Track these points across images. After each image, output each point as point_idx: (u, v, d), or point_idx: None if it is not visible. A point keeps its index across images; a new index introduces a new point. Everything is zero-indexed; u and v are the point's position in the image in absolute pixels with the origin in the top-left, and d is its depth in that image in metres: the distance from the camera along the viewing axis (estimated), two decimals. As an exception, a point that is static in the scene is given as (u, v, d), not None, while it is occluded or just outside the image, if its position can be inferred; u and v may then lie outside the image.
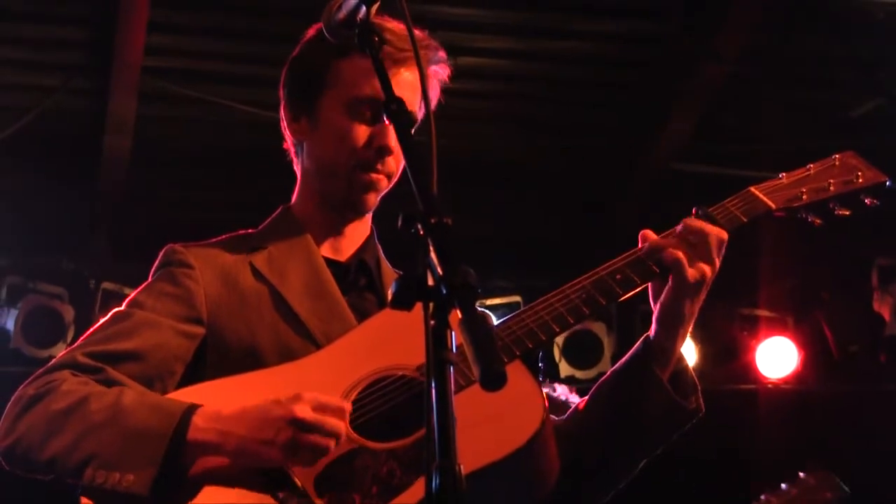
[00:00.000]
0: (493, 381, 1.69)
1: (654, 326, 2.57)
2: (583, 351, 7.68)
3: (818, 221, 2.76)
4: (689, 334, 2.59)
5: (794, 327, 7.95)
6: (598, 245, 6.93)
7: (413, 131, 2.26)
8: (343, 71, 2.62)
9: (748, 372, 7.91)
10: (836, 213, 2.76)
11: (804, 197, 2.72)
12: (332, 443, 2.27)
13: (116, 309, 2.58)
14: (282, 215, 2.75)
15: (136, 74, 6.55)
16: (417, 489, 2.25)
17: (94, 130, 6.98)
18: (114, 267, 7.32)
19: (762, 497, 4.56)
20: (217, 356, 2.53)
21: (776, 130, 7.16)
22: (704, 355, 7.75)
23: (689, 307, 2.54)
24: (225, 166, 7.37)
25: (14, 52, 6.64)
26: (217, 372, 2.49)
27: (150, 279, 2.62)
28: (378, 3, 2.28)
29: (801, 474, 4.56)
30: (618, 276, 2.53)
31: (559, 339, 7.58)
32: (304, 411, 2.25)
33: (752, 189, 2.71)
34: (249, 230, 2.75)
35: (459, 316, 1.76)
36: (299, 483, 2.28)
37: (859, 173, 2.76)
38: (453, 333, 1.77)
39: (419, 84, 2.48)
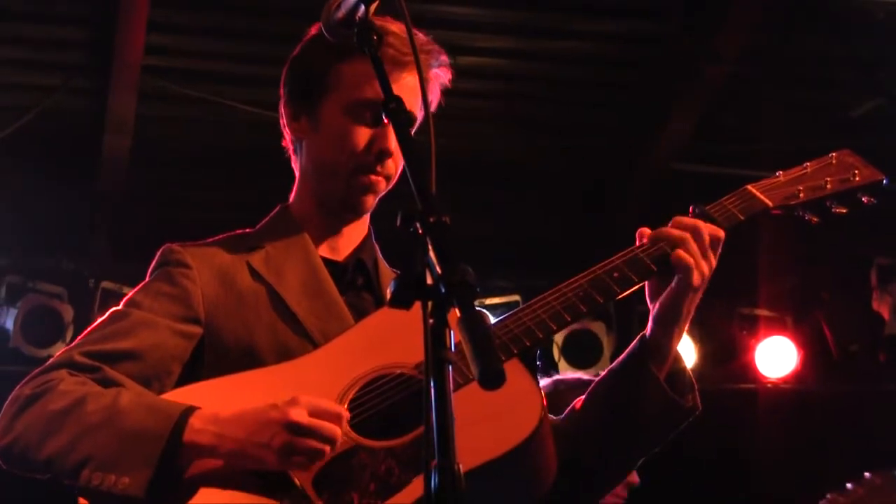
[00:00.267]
0: (492, 379, 1.69)
1: (650, 324, 2.57)
2: (582, 350, 7.67)
3: (815, 219, 2.76)
4: (688, 334, 2.59)
5: (793, 327, 7.95)
6: (597, 245, 6.92)
7: (412, 131, 2.26)
8: (345, 73, 2.62)
9: (747, 371, 7.91)
10: (833, 211, 2.76)
11: (801, 195, 2.73)
12: (327, 448, 2.27)
13: (114, 308, 2.58)
14: (279, 215, 2.76)
15: (136, 74, 6.55)
16: (416, 487, 2.25)
17: (94, 130, 6.98)
18: (113, 267, 7.32)
19: (828, 496, 4.53)
20: (214, 356, 2.53)
21: (776, 130, 7.16)
22: (703, 355, 7.75)
23: (686, 305, 2.54)
24: (225, 166, 7.37)
25: (14, 51, 6.64)
26: (214, 371, 2.49)
27: (147, 279, 2.62)
28: (377, 3, 2.28)
29: (867, 474, 4.53)
30: (615, 275, 2.54)
31: (558, 338, 7.59)
32: (299, 415, 2.25)
33: (750, 187, 2.71)
34: (247, 230, 2.75)
35: (458, 314, 1.76)
36: (298, 482, 2.28)
37: (856, 171, 2.77)
38: (452, 332, 1.78)
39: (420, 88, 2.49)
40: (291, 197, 2.77)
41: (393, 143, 2.57)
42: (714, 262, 2.56)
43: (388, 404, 2.39)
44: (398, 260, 2.59)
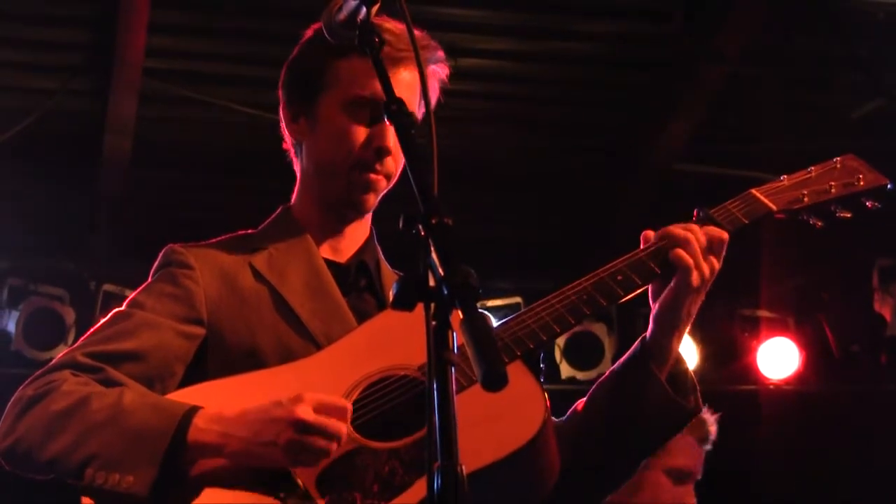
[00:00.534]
0: (495, 381, 1.69)
1: (651, 325, 2.58)
2: (583, 352, 7.67)
3: (819, 223, 2.77)
4: (689, 335, 2.60)
5: (795, 328, 7.94)
6: (598, 246, 6.95)
7: (413, 132, 2.26)
8: (342, 71, 2.62)
9: (749, 373, 7.90)
10: (837, 215, 2.77)
11: (805, 199, 2.73)
12: (333, 445, 2.26)
13: (117, 309, 2.58)
14: (281, 216, 2.76)
15: (137, 75, 6.55)
16: (419, 488, 2.25)
17: (94, 131, 6.98)
18: (114, 268, 7.32)
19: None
20: (217, 357, 2.53)
21: (776, 130, 7.16)
22: (705, 356, 7.75)
23: (688, 307, 2.55)
24: (225, 168, 7.37)
25: (15, 54, 6.65)
26: (217, 372, 2.49)
27: (149, 280, 2.62)
28: (378, 4, 2.28)
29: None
30: (619, 277, 2.54)
31: (560, 341, 7.57)
32: (305, 412, 2.25)
33: (754, 191, 2.72)
34: (249, 230, 2.75)
35: (461, 316, 1.76)
36: (301, 482, 2.28)
37: (860, 176, 2.77)
38: (454, 334, 1.77)
39: (417, 83, 2.50)
40: (293, 199, 2.77)
41: (392, 140, 2.56)
42: (717, 265, 2.56)
43: (391, 406, 2.39)
44: (400, 262, 2.59)
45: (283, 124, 2.74)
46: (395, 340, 2.41)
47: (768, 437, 8.01)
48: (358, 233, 2.73)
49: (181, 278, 2.57)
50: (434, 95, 2.63)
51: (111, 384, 2.41)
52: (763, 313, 7.96)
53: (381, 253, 2.77)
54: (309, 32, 2.70)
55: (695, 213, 2.64)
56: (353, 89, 2.60)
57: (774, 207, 2.70)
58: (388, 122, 2.20)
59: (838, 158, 2.82)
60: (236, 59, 6.78)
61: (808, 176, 2.78)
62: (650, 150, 7.38)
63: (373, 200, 2.66)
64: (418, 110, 2.62)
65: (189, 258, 2.60)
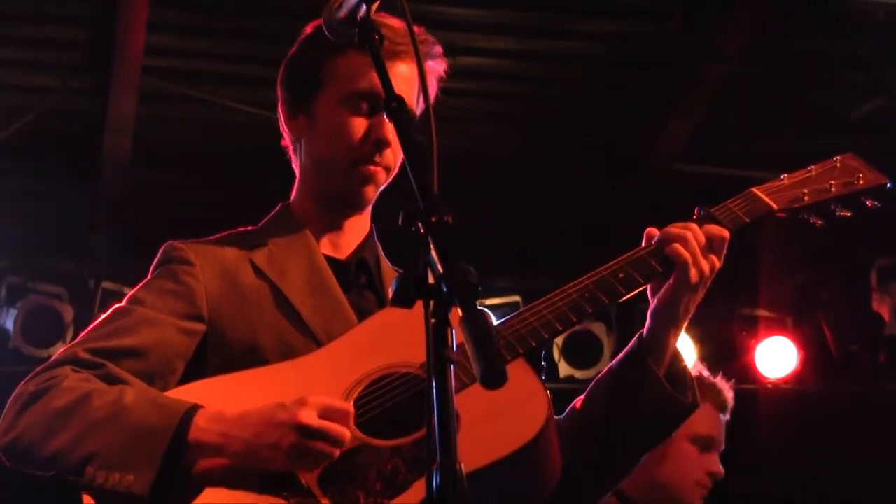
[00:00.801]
0: (494, 379, 1.69)
1: (649, 322, 2.58)
2: (582, 351, 7.67)
3: (819, 222, 2.78)
4: (688, 334, 2.60)
5: (793, 327, 7.94)
6: (598, 245, 6.94)
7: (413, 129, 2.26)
8: (339, 66, 2.62)
9: (747, 372, 7.90)
10: (837, 214, 2.78)
11: (806, 198, 2.74)
12: (336, 450, 2.26)
13: (117, 305, 2.57)
14: (281, 213, 2.75)
15: (137, 74, 6.55)
16: (421, 487, 2.24)
17: (94, 130, 6.98)
18: (113, 267, 7.32)
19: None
20: (218, 353, 2.52)
21: (776, 130, 7.16)
22: (703, 355, 7.73)
23: (686, 304, 2.55)
24: (225, 166, 7.37)
25: (14, 52, 6.64)
26: (218, 369, 2.49)
27: (149, 276, 2.62)
28: (378, 2, 2.28)
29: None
30: (621, 276, 2.54)
31: (559, 340, 7.57)
32: (309, 417, 2.24)
33: (754, 190, 2.72)
34: (249, 227, 2.75)
35: (460, 314, 1.76)
36: (303, 481, 2.28)
37: (860, 175, 2.78)
38: (454, 331, 1.77)
39: (415, 78, 2.50)
40: (292, 196, 2.77)
41: (390, 132, 2.55)
42: (718, 264, 2.57)
43: (393, 403, 2.39)
44: (400, 259, 2.59)
45: (281, 122, 2.74)
46: (396, 338, 2.41)
47: (766, 436, 8.00)
48: (358, 229, 2.73)
49: (181, 275, 2.57)
50: (432, 90, 2.63)
51: (112, 380, 2.41)
52: (762, 312, 7.96)
53: (381, 250, 2.77)
54: (308, 30, 2.70)
55: (696, 211, 2.64)
56: (351, 84, 2.60)
57: (775, 206, 2.71)
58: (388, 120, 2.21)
59: (838, 157, 2.83)
60: (236, 58, 6.78)
61: (809, 175, 2.79)
62: (650, 149, 7.38)
63: (372, 193, 2.65)
64: (416, 104, 2.62)
65: (189, 254, 2.60)
